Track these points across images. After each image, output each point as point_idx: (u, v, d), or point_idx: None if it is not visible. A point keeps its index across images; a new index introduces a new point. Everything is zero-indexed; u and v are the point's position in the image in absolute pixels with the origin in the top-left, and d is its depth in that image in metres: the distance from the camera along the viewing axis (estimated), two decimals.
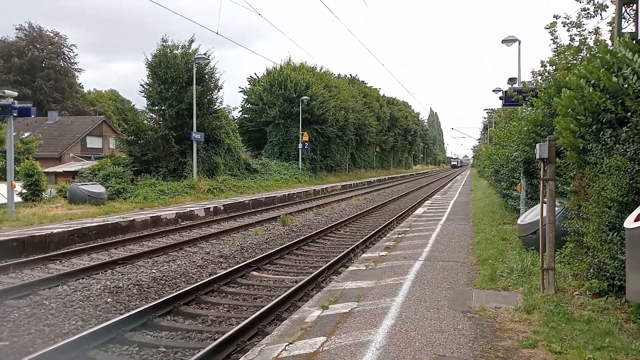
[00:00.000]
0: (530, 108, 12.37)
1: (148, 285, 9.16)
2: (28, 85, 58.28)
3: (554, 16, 11.86)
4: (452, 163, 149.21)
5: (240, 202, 23.20)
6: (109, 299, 8.22)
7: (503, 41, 18.89)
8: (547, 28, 12.14)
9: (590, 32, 11.29)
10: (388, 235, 13.40)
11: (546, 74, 12.41)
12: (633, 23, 8.39)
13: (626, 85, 5.47)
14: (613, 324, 5.22)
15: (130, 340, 6.40)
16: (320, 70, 49.81)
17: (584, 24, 11.18)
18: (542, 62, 12.78)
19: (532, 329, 5.32)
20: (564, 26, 11.59)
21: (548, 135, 8.43)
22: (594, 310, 5.69)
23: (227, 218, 19.49)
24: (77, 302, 7.99)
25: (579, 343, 4.78)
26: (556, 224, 6.85)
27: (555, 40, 11.93)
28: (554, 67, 11.56)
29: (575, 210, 7.22)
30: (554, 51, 12.08)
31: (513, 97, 13.83)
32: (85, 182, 22.56)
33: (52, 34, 62.92)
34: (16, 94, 16.86)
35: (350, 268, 8.99)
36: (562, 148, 7.36)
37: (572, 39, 10.83)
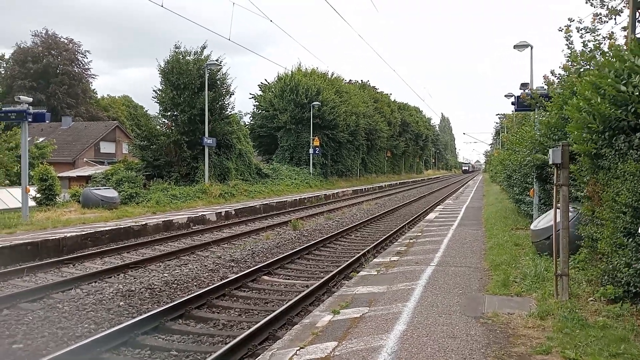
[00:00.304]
0: (543, 113, 12.29)
1: (160, 289, 9.20)
2: (43, 91, 59.07)
3: (569, 19, 11.79)
4: (464, 168, 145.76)
5: (252, 206, 23.25)
6: (121, 303, 8.27)
7: (515, 47, 18.74)
8: (560, 30, 12.06)
9: (604, 37, 11.21)
10: (399, 240, 13.35)
11: (557, 79, 12.34)
12: None
13: (637, 93, 5.41)
14: (628, 331, 5.15)
15: (142, 344, 6.43)
16: (332, 76, 49.94)
17: (598, 29, 11.10)
18: (552, 71, 12.71)
19: (546, 335, 5.26)
20: (577, 31, 11.52)
21: (561, 140, 8.37)
22: (608, 317, 5.62)
23: (239, 222, 19.54)
24: (90, 306, 8.05)
25: (594, 350, 4.72)
26: (570, 230, 6.79)
27: (570, 45, 11.85)
28: (567, 72, 11.47)
29: (589, 216, 7.15)
30: (568, 56, 12.00)
31: (526, 102, 13.73)
32: (98, 186, 22.77)
33: (66, 41, 63.78)
34: (31, 99, 17.09)
35: (362, 273, 8.97)
36: (575, 153, 7.30)
37: (584, 45, 10.75)
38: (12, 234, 13.76)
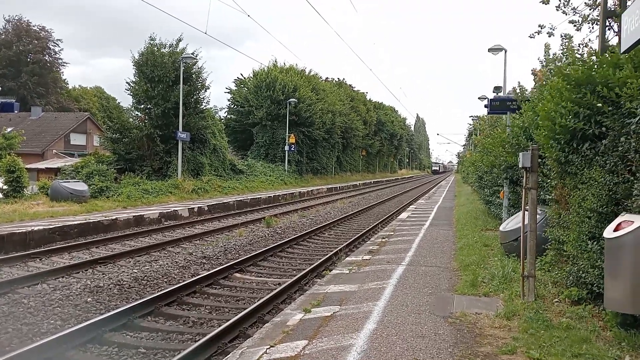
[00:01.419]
0: (516, 116, 12.53)
1: (129, 285, 9.08)
2: (13, 79, 57.53)
3: (539, 26, 12.08)
4: (433, 168, 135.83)
5: (225, 202, 23.09)
6: (89, 299, 8.13)
7: (489, 50, 19.08)
8: (532, 37, 12.35)
9: (580, 45, 11.52)
10: (372, 239, 13.45)
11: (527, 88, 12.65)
12: (616, 36, 8.57)
13: (600, 104, 5.57)
14: (591, 332, 5.30)
15: (110, 341, 6.33)
16: (309, 73, 49.90)
17: (572, 36, 11.40)
18: (519, 83, 13.01)
19: (512, 335, 5.38)
20: (549, 36, 11.80)
21: (531, 143, 8.55)
22: (572, 318, 5.78)
23: (212, 219, 19.39)
24: (56, 301, 7.89)
25: (557, 350, 4.85)
26: (537, 232, 6.95)
27: (547, 51, 12.14)
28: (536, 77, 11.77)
29: (556, 219, 7.33)
30: (542, 63, 12.28)
31: (516, 99, 13.85)
32: (67, 179, 22.29)
33: (38, 29, 62.20)
34: None
35: (334, 271, 9.01)
36: (544, 157, 7.47)
37: (563, 53, 11.02)
38: None
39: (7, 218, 14.94)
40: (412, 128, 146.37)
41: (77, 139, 49.84)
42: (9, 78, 57.07)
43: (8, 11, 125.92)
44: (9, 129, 38.75)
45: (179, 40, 28.63)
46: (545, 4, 12.40)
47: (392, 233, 13.92)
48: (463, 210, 20.84)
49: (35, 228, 13.09)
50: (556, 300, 6.54)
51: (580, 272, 6.08)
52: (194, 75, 28.70)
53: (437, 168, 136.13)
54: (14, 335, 6.42)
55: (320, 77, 54.76)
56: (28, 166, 25.75)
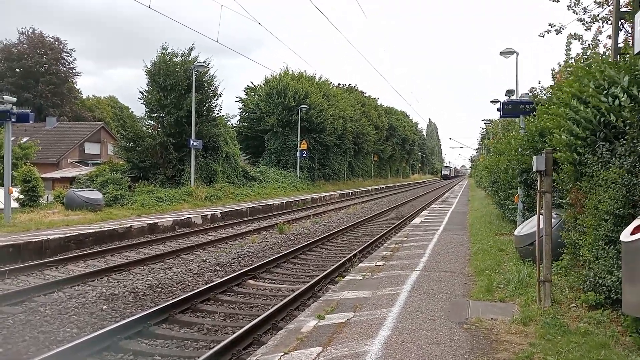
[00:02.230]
0: (530, 119, 12.43)
1: (144, 292, 9.13)
2: (29, 90, 58.48)
3: (549, 24, 12.00)
4: (444, 172, 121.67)
5: (238, 209, 23.17)
6: (104, 306, 8.19)
7: (501, 53, 18.96)
8: (542, 36, 12.28)
9: (590, 44, 11.43)
10: (385, 244, 13.39)
11: (543, 88, 12.57)
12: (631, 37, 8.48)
13: (617, 103, 5.52)
14: (609, 337, 5.21)
15: (125, 349, 6.37)
16: (319, 79, 50.02)
17: (583, 36, 11.33)
18: (552, 70, 12.92)
19: (529, 341, 5.31)
20: (556, 33, 11.72)
21: (546, 146, 8.48)
22: (590, 323, 5.69)
23: (224, 226, 19.46)
24: (72, 309, 7.96)
25: (575, 356, 4.78)
26: (553, 236, 6.87)
27: (568, 52, 12.05)
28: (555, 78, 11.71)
29: (572, 223, 7.24)
30: (564, 62, 12.21)
31: (532, 100, 13.73)
32: (82, 188, 22.53)
33: (52, 40, 63.16)
34: (15, 99, 16.85)
35: (347, 277, 8.98)
36: (558, 160, 7.39)
37: (582, 53, 10.94)
38: None
39: (24, 227, 15.13)
40: (424, 132, 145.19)
41: (91, 148, 50.41)
42: (25, 89, 58.00)
43: (21, 23, 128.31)
44: (24, 139, 39.33)
45: (191, 49, 28.92)
46: (556, 2, 12.30)
47: (406, 238, 13.85)
48: (477, 214, 20.69)
49: (51, 237, 13.23)
50: (573, 305, 6.46)
51: (597, 276, 6.00)
52: (206, 84, 28.91)
53: (448, 172, 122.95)
54: (31, 343, 6.48)
55: (331, 83, 54.88)
56: (43, 175, 26.10)
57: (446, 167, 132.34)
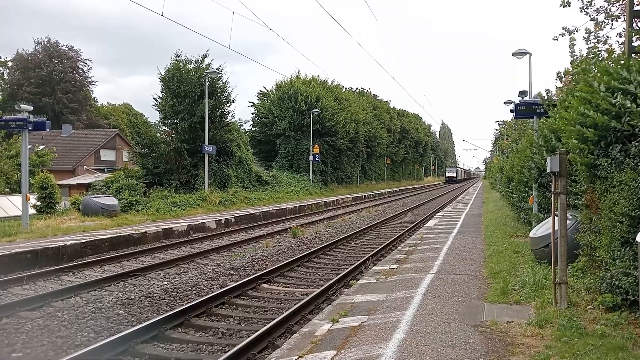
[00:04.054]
0: (544, 120, 12.35)
1: (159, 297, 9.21)
2: (46, 98, 59.43)
3: (563, 28, 11.92)
4: (448, 175, 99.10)
5: (251, 214, 23.27)
6: (120, 311, 8.28)
7: (514, 54, 18.84)
8: (555, 40, 12.19)
9: (600, 42, 11.33)
10: (399, 247, 13.36)
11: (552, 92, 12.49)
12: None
13: (628, 104, 5.47)
14: (626, 339, 5.15)
15: (142, 353, 6.43)
16: (331, 83, 50.10)
17: (598, 36, 11.23)
18: (558, 73, 12.81)
19: (545, 344, 5.27)
20: (569, 34, 11.63)
21: (560, 148, 8.41)
22: (607, 325, 5.63)
23: (238, 230, 19.55)
24: (89, 314, 8.05)
25: (592, 358, 4.73)
26: (568, 238, 6.81)
27: (573, 54, 11.96)
28: (562, 79, 11.62)
29: (587, 224, 7.17)
30: (571, 64, 12.11)
31: (543, 104, 13.62)
32: (98, 194, 22.79)
33: (67, 48, 64.14)
34: (31, 108, 17.14)
35: (361, 281, 8.98)
36: (572, 162, 7.33)
37: (591, 51, 10.84)
38: (12, 242, 13.77)
39: (41, 233, 15.34)
40: (437, 135, 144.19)
41: (106, 155, 51.01)
42: (42, 96, 58.96)
43: (37, 33, 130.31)
44: (41, 147, 39.96)
45: (205, 56, 29.16)
46: (567, 7, 12.24)
47: (420, 241, 13.80)
48: (491, 216, 20.54)
49: (68, 242, 13.41)
50: (590, 307, 6.39)
51: (614, 278, 5.93)
52: (219, 90, 29.12)
53: (454, 174, 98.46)
54: (49, 347, 6.57)
55: (343, 87, 54.95)
56: (60, 182, 26.47)
57: (451, 167, 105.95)
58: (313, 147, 41.15)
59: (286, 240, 16.68)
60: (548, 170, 6.78)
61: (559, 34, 12.15)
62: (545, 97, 13.56)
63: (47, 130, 19.44)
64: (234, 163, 30.93)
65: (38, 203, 21.00)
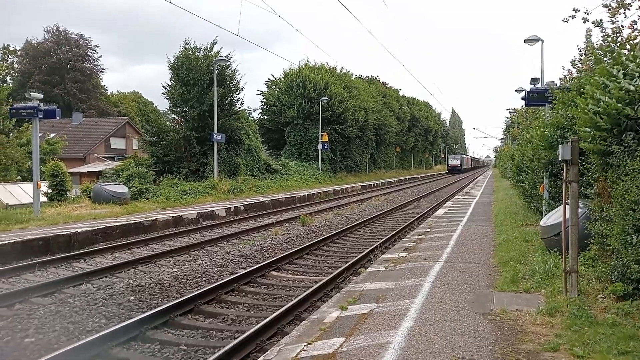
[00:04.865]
0: (552, 109, 12.21)
1: (170, 284, 9.28)
2: (57, 86, 59.72)
3: (574, 9, 11.67)
4: (451, 163, 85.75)
5: (260, 202, 23.33)
6: (131, 297, 8.36)
7: (525, 41, 18.61)
8: (565, 21, 11.95)
9: (614, 31, 11.09)
10: (408, 236, 13.34)
11: (574, 73, 12.27)
12: None
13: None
14: (638, 328, 5.12)
15: (152, 339, 6.49)
16: (340, 71, 49.83)
17: (615, 21, 10.99)
18: (572, 61, 12.60)
19: (555, 332, 5.25)
20: (583, 22, 11.39)
21: (571, 135, 8.31)
22: (618, 314, 5.59)
23: (248, 218, 19.62)
24: (100, 300, 8.14)
25: (603, 347, 4.70)
26: (579, 226, 6.74)
27: (588, 40, 11.73)
28: (577, 67, 11.43)
29: (599, 213, 7.10)
30: (584, 49, 11.89)
31: (551, 93, 13.44)
32: (109, 182, 22.95)
33: (76, 37, 64.27)
34: (41, 96, 17.22)
35: (370, 269, 8.98)
36: (585, 149, 7.24)
37: (604, 39, 10.62)
38: (24, 229, 13.92)
39: (52, 221, 15.49)
40: (447, 123, 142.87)
41: (117, 143, 51.26)
42: (52, 85, 59.24)
43: (47, 22, 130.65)
44: (52, 135, 40.23)
45: (213, 43, 29.10)
46: None
47: (429, 230, 13.77)
48: (502, 205, 20.43)
49: (79, 230, 13.53)
50: (600, 296, 6.34)
51: (625, 266, 5.88)
52: (227, 78, 29.08)
53: (457, 162, 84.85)
54: (61, 333, 6.65)
55: (352, 75, 54.62)
56: (71, 170, 26.66)
57: (455, 155, 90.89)
58: (322, 135, 41.05)
59: (295, 229, 16.71)
60: (560, 159, 6.70)
61: (570, 16, 11.86)
62: (557, 84, 13.38)
63: (58, 118, 19.54)
64: (243, 151, 30.96)
65: (49, 191, 21.18)
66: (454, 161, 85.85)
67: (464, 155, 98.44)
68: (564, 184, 6.87)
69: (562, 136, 9.91)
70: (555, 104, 10.62)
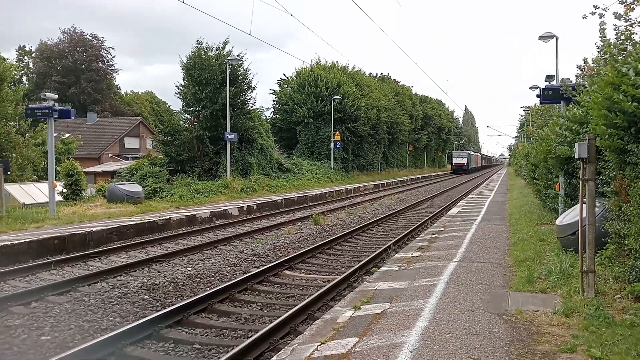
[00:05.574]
0: (572, 105, 12.02)
1: (183, 282, 9.32)
2: (72, 87, 60.38)
3: (594, 6, 11.49)
4: (455, 161, 75.23)
5: (273, 201, 23.36)
6: (145, 296, 8.40)
7: (540, 37, 18.36)
8: (584, 18, 11.77)
9: (631, 25, 10.90)
10: (421, 235, 13.26)
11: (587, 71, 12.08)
12: None
13: None
14: None
15: (166, 337, 6.52)
16: (352, 69, 49.69)
17: (629, 18, 10.80)
18: (584, 60, 12.41)
19: (571, 333, 5.17)
20: (600, 17, 11.21)
21: (588, 133, 8.18)
22: (636, 315, 5.49)
23: (260, 217, 19.65)
24: (115, 299, 8.20)
25: (621, 349, 4.62)
26: (596, 225, 6.64)
27: (603, 36, 11.53)
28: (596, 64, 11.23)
29: (616, 212, 6.98)
30: (600, 46, 11.68)
31: (565, 90, 13.25)
32: (123, 181, 23.14)
33: (90, 37, 64.90)
34: (56, 96, 17.40)
35: (383, 268, 8.93)
36: (601, 148, 7.13)
37: (617, 36, 10.43)
38: (40, 228, 14.08)
39: (67, 220, 15.65)
40: (461, 121, 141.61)
41: (130, 143, 51.67)
42: (68, 87, 59.91)
43: (63, 23, 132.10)
44: (67, 135, 40.67)
45: (226, 43, 29.18)
46: None
47: (442, 229, 13.68)
48: (516, 204, 20.24)
49: (94, 229, 13.65)
50: (618, 296, 6.24)
51: None
52: (240, 77, 29.15)
53: (463, 161, 73.98)
54: (77, 331, 6.71)
55: (364, 73, 54.43)
56: (85, 170, 26.93)
57: (461, 152, 78.84)
58: (334, 134, 40.99)
59: (307, 228, 16.71)
60: (576, 157, 6.60)
61: (590, 12, 11.68)
62: (572, 82, 13.18)
63: (72, 118, 19.73)
64: (256, 150, 31.03)
65: (64, 190, 21.41)
66: (459, 159, 74.60)
67: (472, 152, 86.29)
68: (580, 182, 6.77)
69: (579, 132, 9.76)
70: (580, 99, 10.42)
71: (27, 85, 58.00)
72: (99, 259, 11.71)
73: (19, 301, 7.92)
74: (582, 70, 13.48)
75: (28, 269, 10.32)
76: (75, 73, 61.84)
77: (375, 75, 64.45)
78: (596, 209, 6.79)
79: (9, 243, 11.39)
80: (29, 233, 13.12)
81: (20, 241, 11.63)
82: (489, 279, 7.71)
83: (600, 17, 11.15)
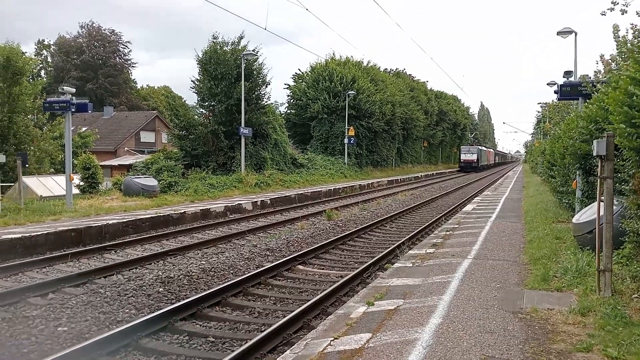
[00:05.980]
0: (586, 103, 11.86)
1: (198, 276, 9.39)
2: (90, 81, 61.02)
3: (612, 2, 11.29)
4: (464, 158, 68.03)
5: (287, 196, 23.41)
6: (160, 289, 8.49)
7: (558, 33, 18.11)
8: (603, 14, 11.58)
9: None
10: (435, 232, 13.20)
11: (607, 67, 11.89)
12: None
13: None
14: None
15: (181, 330, 6.58)
16: (367, 64, 49.47)
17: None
18: (601, 56, 12.21)
19: (587, 332, 5.12)
20: (622, 14, 11.01)
21: (606, 130, 8.06)
22: None
23: (274, 212, 19.72)
24: (130, 291, 8.29)
25: (638, 349, 4.56)
26: (614, 224, 6.55)
27: (617, 33, 11.35)
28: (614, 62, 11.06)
29: (635, 210, 6.87)
30: (617, 43, 11.51)
31: (585, 87, 13.06)
32: (139, 175, 23.35)
33: (108, 32, 65.47)
34: (74, 90, 17.59)
35: (396, 265, 8.91)
36: (619, 146, 7.02)
37: (636, 36, 10.26)
38: (57, 221, 14.28)
39: (84, 212, 15.84)
40: (476, 117, 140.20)
41: (146, 137, 52.06)
42: (86, 82, 60.56)
43: (80, 17, 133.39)
44: (84, 128, 41.13)
45: (241, 37, 29.30)
46: None
47: (457, 226, 13.59)
48: (532, 201, 20.03)
49: (110, 222, 13.80)
50: (635, 296, 6.15)
51: None
52: (255, 72, 29.21)
53: (473, 157, 67.14)
54: (93, 323, 6.80)
55: (379, 68, 54.17)
56: (102, 163, 27.23)
57: (470, 148, 70.29)
58: (348, 129, 40.89)
59: (321, 223, 16.72)
60: (594, 154, 6.51)
61: (608, 9, 11.48)
62: (592, 78, 13.00)
63: (89, 112, 19.96)
64: (270, 145, 31.11)
65: (81, 183, 21.67)
66: (468, 155, 67.17)
67: (483, 148, 78.93)
68: (598, 180, 6.68)
69: (598, 129, 9.61)
70: (588, 104, 10.29)
71: (45, 79, 58.75)
72: (115, 251, 11.84)
73: (36, 292, 8.06)
74: (603, 64, 13.26)
75: (45, 260, 10.48)
76: (93, 68, 62.47)
77: (390, 70, 64.12)
78: (614, 207, 6.70)
79: (27, 235, 11.57)
80: (46, 225, 13.31)
81: (38, 233, 11.80)
82: (504, 276, 7.66)
83: (623, 14, 10.95)
